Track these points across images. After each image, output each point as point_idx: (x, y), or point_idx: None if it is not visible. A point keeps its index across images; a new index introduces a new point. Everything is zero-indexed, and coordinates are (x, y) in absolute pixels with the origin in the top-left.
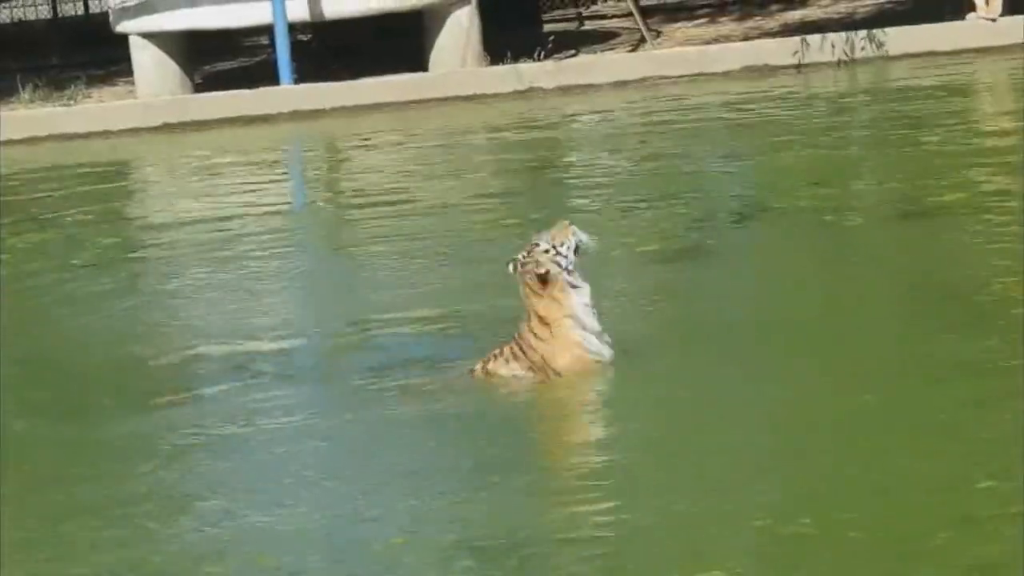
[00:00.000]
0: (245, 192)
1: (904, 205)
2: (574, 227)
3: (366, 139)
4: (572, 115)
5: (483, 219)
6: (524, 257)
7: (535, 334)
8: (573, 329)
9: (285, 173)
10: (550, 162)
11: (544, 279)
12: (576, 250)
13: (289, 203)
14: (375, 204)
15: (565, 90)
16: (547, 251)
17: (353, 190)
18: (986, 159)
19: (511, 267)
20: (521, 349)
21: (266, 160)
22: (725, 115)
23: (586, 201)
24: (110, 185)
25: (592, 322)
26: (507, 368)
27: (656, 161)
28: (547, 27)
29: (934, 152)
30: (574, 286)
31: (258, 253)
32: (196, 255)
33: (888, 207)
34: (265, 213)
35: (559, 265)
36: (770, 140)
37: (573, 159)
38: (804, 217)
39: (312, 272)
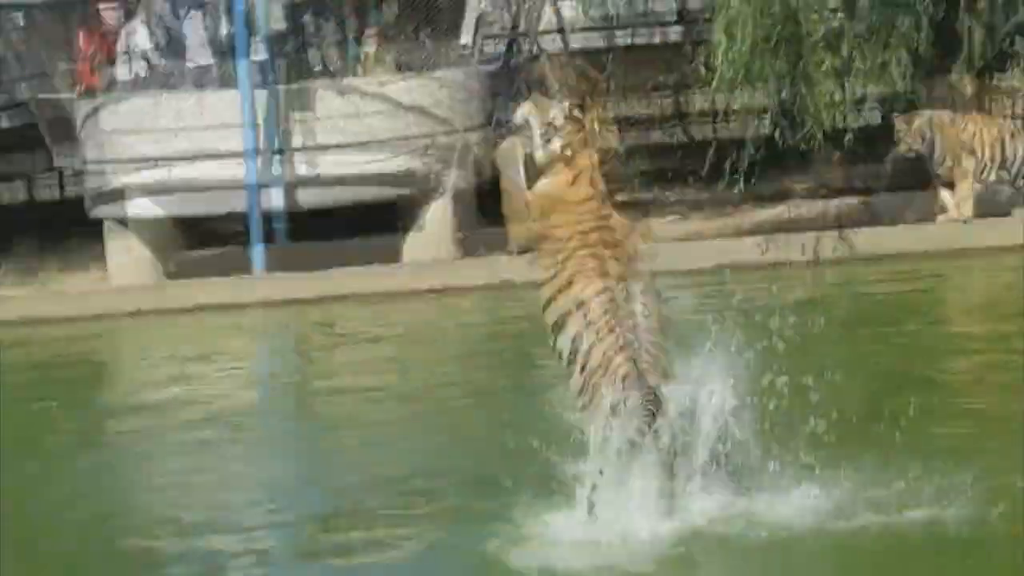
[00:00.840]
0: (215, 380)
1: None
2: None
3: (338, 329)
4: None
5: (450, 411)
6: None
7: None
8: None
9: (257, 361)
10: (522, 356)
11: None
12: None
13: (260, 391)
14: (345, 393)
15: (538, 284)
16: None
17: (324, 379)
18: (956, 361)
19: None
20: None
21: (238, 349)
22: (694, 312)
23: (561, 394)
24: (80, 371)
25: None
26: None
27: None
28: None
29: (903, 352)
30: None
31: (227, 440)
32: (165, 441)
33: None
34: (235, 401)
35: None
36: (738, 338)
37: (544, 353)
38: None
39: (280, 459)
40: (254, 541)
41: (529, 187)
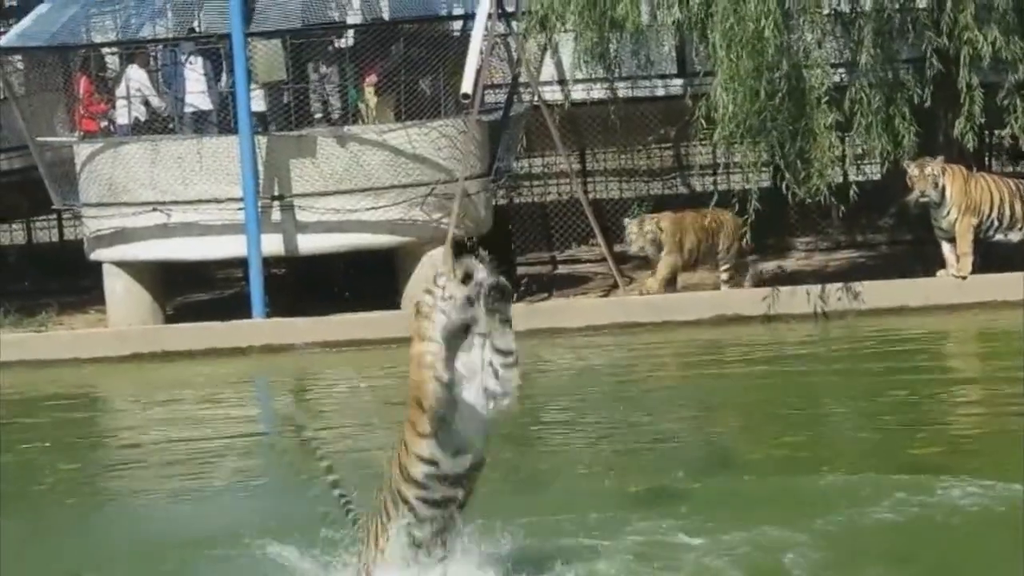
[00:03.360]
0: (212, 424)
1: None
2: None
3: (335, 375)
4: (542, 358)
5: None
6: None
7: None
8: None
9: (254, 406)
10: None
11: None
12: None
13: (256, 436)
14: (341, 440)
15: (536, 333)
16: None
17: (320, 425)
18: (957, 413)
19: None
20: None
21: (235, 393)
22: (695, 363)
23: (559, 445)
24: (76, 413)
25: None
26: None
27: (624, 407)
28: (521, 269)
29: (906, 405)
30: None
31: (223, 485)
32: (159, 484)
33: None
34: (231, 446)
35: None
36: (742, 389)
37: (541, 404)
38: (776, 466)
39: (278, 504)
40: None
41: None
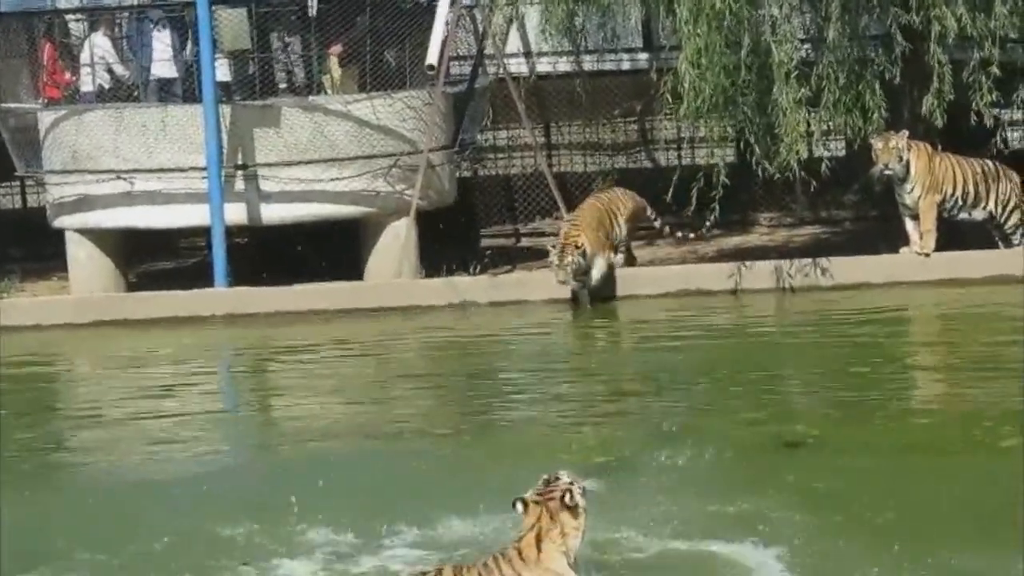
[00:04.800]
0: (172, 393)
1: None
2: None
3: (297, 346)
4: (504, 330)
5: (403, 433)
6: (544, 487)
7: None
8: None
9: (214, 376)
10: (478, 376)
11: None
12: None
13: (215, 407)
14: (300, 412)
15: (499, 305)
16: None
17: (280, 397)
18: (915, 392)
19: (519, 506)
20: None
21: (196, 362)
22: (659, 337)
23: (517, 416)
24: (36, 380)
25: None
26: None
27: (584, 381)
28: (485, 242)
29: (867, 382)
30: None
31: (180, 456)
32: (116, 454)
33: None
34: (190, 415)
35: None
36: (704, 364)
37: (501, 375)
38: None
39: (233, 477)
40: None
41: None
